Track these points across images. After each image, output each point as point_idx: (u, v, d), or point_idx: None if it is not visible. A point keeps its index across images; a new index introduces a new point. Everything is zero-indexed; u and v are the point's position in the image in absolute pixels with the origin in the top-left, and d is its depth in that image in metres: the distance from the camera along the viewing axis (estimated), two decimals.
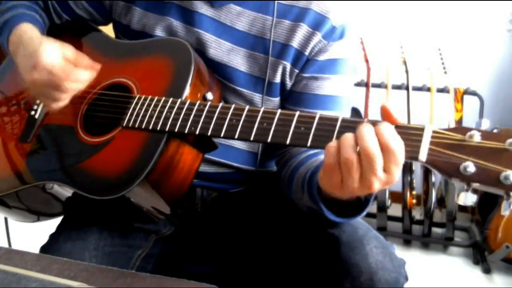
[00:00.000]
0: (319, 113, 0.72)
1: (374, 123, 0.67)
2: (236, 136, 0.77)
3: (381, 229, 2.35)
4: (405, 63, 2.41)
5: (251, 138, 0.76)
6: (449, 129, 0.64)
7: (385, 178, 0.64)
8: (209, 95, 0.90)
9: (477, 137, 0.62)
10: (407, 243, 2.44)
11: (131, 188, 0.81)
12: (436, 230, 2.45)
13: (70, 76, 0.89)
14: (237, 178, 1.04)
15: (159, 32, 0.99)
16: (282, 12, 0.95)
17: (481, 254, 2.27)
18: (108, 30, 1.12)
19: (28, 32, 0.98)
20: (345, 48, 0.96)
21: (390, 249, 0.87)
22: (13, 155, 1.03)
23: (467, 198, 0.62)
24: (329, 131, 0.70)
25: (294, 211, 0.95)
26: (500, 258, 2.13)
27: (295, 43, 0.94)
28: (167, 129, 0.83)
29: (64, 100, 0.92)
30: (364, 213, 0.79)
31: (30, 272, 0.65)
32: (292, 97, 0.98)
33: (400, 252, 0.89)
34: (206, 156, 0.93)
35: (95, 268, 0.71)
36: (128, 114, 0.88)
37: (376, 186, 0.65)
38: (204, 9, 0.97)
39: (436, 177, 2.36)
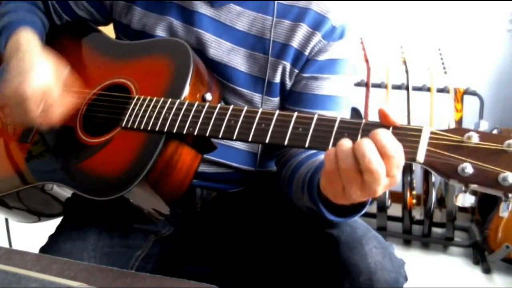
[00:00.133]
0: (317, 113, 0.72)
1: (371, 124, 0.67)
2: (234, 137, 0.77)
3: (381, 229, 2.35)
4: (405, 63, 2.41)
5: (249, 139, 0.76)
6: (447, 130, 0.64)
7: (388, 183, 0.64)
8: (208, 96, 0.90)
9: (475, 139, 0.62)
10: (407, 243, 2.44)
11: (130, 189, 0.82)
12: (436, 230, 2.45)
13: (41, 113, 0.89)
14: (236, 178, 1.04)
15: (159, 32, 1.00)
16: (282, 12, 0.95)
17: (481, 254, 2.27)
18: (109, 30, 1.12)
19: (27, 40, 0.97)
20: (345, 48, 0.96)
21: (389, 249, 0.87)
22: (12, 156, 1.03)
23: (465, 200, 0.62)
24: (327, 132, 0.70)
25: (294, 211, 0.95)
26: (500, 258, 2.13)
27: (295, 43, 0.94)
28: (165, 129, 0.83)
29: (30, 123, 0.93)
30: (363, 212, 0.79)
31: (30, 272, 0.65)
32: (291, 97, 0.98)
33: (400, 252, 0.89)
34: (206, 156, 0.93)
35: (95, 268, 0.71)
36: (127, 115, 0.88)
37: (381, 191, 0.64)
38: (204, 9, 0.97)
39: (436, 177, 2.36)
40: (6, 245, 1.51)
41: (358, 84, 2.45)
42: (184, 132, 0.81)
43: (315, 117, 0.72)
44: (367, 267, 0.82)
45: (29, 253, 0.73)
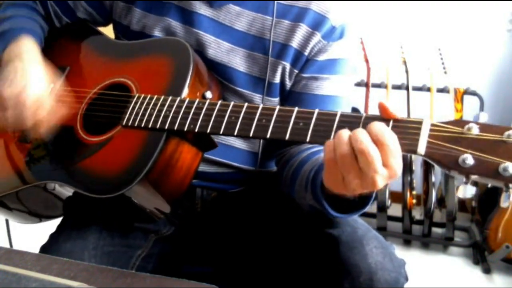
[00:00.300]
0: (317, 109, 0.73)
1: (371, 118, 0.68)
2: (235, 133, 0.77)
3: (381, 229, 2.35)
4: (405, 63, 2.41)
5: (250, 135, 0.76)
6: (447, 122, 0.64)
7: (387, 173, 0.64)
8: (208, 94, 0.90)
9: (475, 130, 0.62)
10: (407, 243, 2.44)
11: (131, 187, 0.82)
12: (436, 230, 2.45)
13: (36, 120, 0.90)
14: (237, 178, 1.04)
15: (158, 33, 1.00)
16: (281, 12, 0.95)
17: (481, 254, 2.27)
18: (108, 31, 1.12)
19: (27, 49, 0.97)
20: (345, 48, 0.96)
21: (389, 249, 0.87)
22: (13, 156, 1.03)
23: (467, 191, 0.63)
24: (328, 126, 0.70)
25: (294, 211, 0.96)
26: (500, 258, 2.13)
27: (295, 43, 0.94)
28: (166, 127, 0.83)
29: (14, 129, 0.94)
30: (366, 208, 0.79)
31: (30, 272, 0.65)
32: (291, 97, 0.98)
33: (400, 252, 0.89)
34: (206, 156, 0.93)
35: (95, 268, 0.71)
36: (128, 113, 0.88)
37: (380, 182, 0.65)
38: (203, 10, 0.97)
39: (436, 177, 2.36)
40: (7, 245, 1.51)
41: (358, 84, 2.45)
42: (185, 129, 0.81)
43: (316, 111, 0.72)
44: (368, 267, 0.82)
45: (29, 253, 0.73)
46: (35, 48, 0.99)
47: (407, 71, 2.39)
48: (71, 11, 1.10)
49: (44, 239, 0.97)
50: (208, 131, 0.80)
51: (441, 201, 2.43)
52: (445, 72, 2.35)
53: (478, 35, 2.52)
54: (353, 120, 0.69)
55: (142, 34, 1.01)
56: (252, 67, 0.97)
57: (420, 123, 0.65)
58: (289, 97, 0.98)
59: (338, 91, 0.97)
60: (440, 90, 2.39)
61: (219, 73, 0.97)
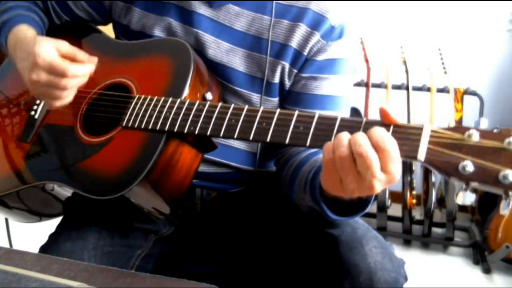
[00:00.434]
0: (318, 112, 0.73)
1: (372, 123, 0.68)
2: (235, 136, 0.77)
3: (381, 229, 2.35)
4: (405, 63, 2.41)
5: (250, 138, 0.76)
6: (447, 129, 0.64)
7: (385, 178, 0.64)
8: (209, 95, 0.90)
9: (475, 137, 0.62)
10: (407, 243, 2.44)
11: (130, 188, 0.82)
12: (436, 230, 2.45)
13: (68, 72, 0.89)
14: (236, 178, 1.04)
15: (158, 32, 1.00)
16: (280, 12, 0.95)
17: (481, 254, 2.27)
18: (108, 30, 1.12)
19: (24, 33, 0.98)
20: (344, 48, 0.96)
21: (389, 249, 0.87)
22: (12, 155, 1.03)
23: (466, 198, 0.63)
24: (328, 131, 0.70)
25: (294, 211, 0.95)
26: (500, 258, 2.13)
27: (294, 43, 0.94)
28: (166, 128, 0.83)
29: (66, 97, 0.92)
30: (365, 211, 0.79)
31: (30, 272, 0.65)
32: (291, 97, 0.98)
33: (400, 252, 0.89)
34: (206, 156, 0.93)
35: (95, 268, 0.71)
36: (128, 114, 0.88)
37: (378, 187, 0.65)
38: (202, 9, 0.97)
39: (436, 177, 2.36)
40: (6, 245, 1.51)
41: (358, 84, 2.45)
42: (185, 131, 0.81)
43: (316, 115, 0.72)
44: (367, 267, 0.82)
45: (29, 253, 0.73)
46: (32, 30, 1.00)
47: (407, 71, 2.39)
48: (70, 11, 1.10)
49: (44, 239, 0.97)
50: (208, 133, 0.80)
51: (441, 201, 2.43)
52: (445, 72, 2.35)
53: (478, 35, 2.52)
54: (353, 125, 0.69)
55: (142, 34, 1.02)
56: (251, 67, 0.97)
57: (420, 129, 0.65)
58: (288, 97, 0.98)
59: (337, 91, 0.97)
60: (440, 90, 2.39)
61: (218, 73, 0.97)
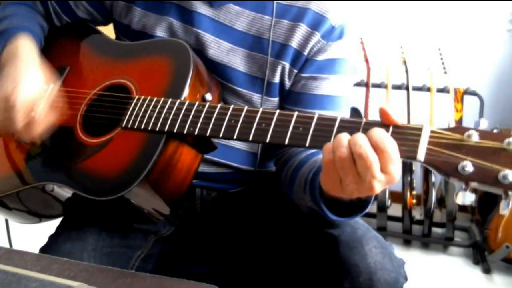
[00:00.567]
0: (317, 113, 0.73)
1: (371, 123, 0.68)
2: (234, 137, 0.77)
3: (381, 229, 2.35)
4: (405, 63, 2.41)
5: (250, 139, 0.76)
6: (447, 129, 0.64)
7: (385, 179, 0.65)
8: (208, 96, 0.90)
9: (475, 137, 0.62)
10: (407, 243, 2.44)
11: (130, 189, 0.82)
12: (436, 230, 2.45)
13: (27, 122, 0.89)
14: (236, 178, 1.04)
15: (159, 32, 1.00)
16: (281, 12, 0.95)
17: (481, 254, 2.27)
18: (109, 30, 1.12)
19: (24, 48, 0.96)
20: (344, 48, 0.96)
21: (389, 249, 0.87)
22: (12, 156, 1.03)
23: (466, 198, 0.63)
24: (328, 132, 0.70)
25: (294, 211, 0.95)
26: (500, 258, 2.13)
27: (294, 43, 0.94)
28: (166, 129, 0.83)
29: (5, 131, 0.92)
30: (365, 212, 0.79)
31: (30, 272, 0.65)
32: (291, 97, 0.98)
33: (400, 252, 0.89)
34: (206, 156, 0.93)
35: (95, 268, 0.71)
36: (127, 115, 0.88)
37: (377, 187, 0.65)
38: (203, 9, 0.97)
39: (436, 177, 2.36)
40: (6, 245, 1.51)
41: (358, 84, 2.45)
42: (185, 132, 0.81)
43: (316, 116, 0.72)
44: (367, 267, 0.82)
45: (29, 253, 0.73)
46: (32, 47, 0.98)
47: (407, 71, 2.39)
48: (71, 11, 1.10)
49: (44, 239, 0.97)
50: (208, 134, 0.80)
51: (441, 201, 2.43)
52: (445, 72, 2.35)
53: (478, 35, 2.52)
54: (353, 126, 0.69)
55: (143, 34, 1.02)
56: (251, 67, 0.97)
57: (420, 129, 0.65)
58: (288, 97, 0.98)
59: (337, 91, 0.97)
60: (440, 90, 2.39)
61: (218, 73, 0.97)
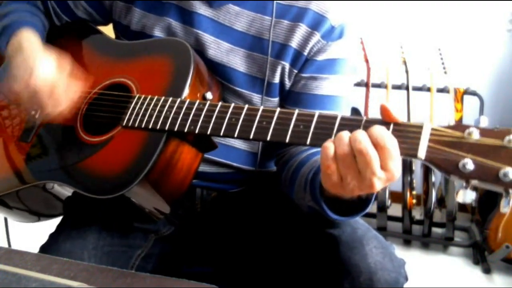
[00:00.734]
0: (318, 111, 0.73)
1: (372, 121, 0.68)
2: (235, 135, 0.77)
3: (381, 229, 2.35)
4: (405, 63, 2.41)
5: (251, 137, 0.76)
6: (448, 127, 0.64)
7: (385, 176, 0.65)
8: (209, 95, 0.90)
9: (475, 135, 0.62)
10: (407, 243, 2.44)
11: (131, 187, 0.82)
12: (436, 230, 2.45)
13: (52, 99, 0.90)
14: (237, 178, 1.04)
15: (158, 33, 1.00)
16: (280, 12, 0.95)
17: (481, 254, 2.27)
18: (108, 30, 1.12)
19: (28, 40, 0.97)
20: (344, 48, 0.96)
21: (389, 249, 0.87)
22: (13, 155, 1.03)
23: (466, 195, 0.63)
24: (329, 129, 0.70)
25: (294, 211, 0.95)
26: (500, 258, 2.13)
27: (294, 43, 0.94)
28: (166, 128, 0.83)
29: (46, 116, 0.93)
30: (365, 211, 0.79)
31: (30, 272, 0.65)
32: (291, 97, 0.98)
33: (400, 252, 0.89)
34: (206, 156, 0.93)
35: (95, 268, 0.71)
36: (128, 114, 0.88)
37: (377, 184, 0.65)
38: (202, 10, 0.97)
39: (436, 177, 2.36)
40: (5, 245, 1.51)
41: (358, 84, 2.45)
42: (185, 130, 0.81)
43: (316, 114, 0.72)
44: (368, 267, 0.82)
45: (29, 253, 0.73)
46: (36, 38, 0.99)
47: (407, 71, 2.39)
48: (70, 11, 1.10)
49: (43, 239, 0.97)
50: (209, 132, 0.80)
51: (441, 201, 2.43)
52: (445, 72, 2.35)
53: (478, 35, 2.52)
54: (354, 123, 0.69)
55: (142, 34, 1.02)
56: (251, 67, 0.97)
57: (420, 127, 0.65)
58: (288, 97, 0.98)
59: (337, 91, 0.97)
60: (440, 90, 2.39)
61: (218, 73, 0.97)
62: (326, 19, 0.93)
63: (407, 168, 2.33)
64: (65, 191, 1.00)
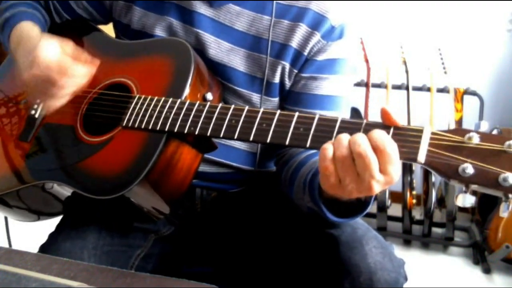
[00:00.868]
0: (318, 113, 0.73)
1: (372, 125, 0.68)
2: (235, 137, 0.77)
3: (381, 229, 2.35)
4: (405, 63, 2.41)
5: (250, 139, 0.76)
6: (448, 131, 0.64)
7: (383, 179, 0.65)
8: (209, 95, 0.90)
9: (475, 139, 0.62)
10: (407, 243, 2.44)
11: (130, 188, 0.82)
12: (436, 230, 2.45)
13: (68, 71, 0.89)
14: (236, 178, 1.04)
15: (158, 32, 1.00)
16: (281, 12, 0.95)
17: (481, 254, 2.27)
18: (108, 29, 1.12)
19: (28, 29, 0.98)
20: (344, 48, 0.96)
21: (389, 249, 0.87)
22: (12, 155, 1.03)
23: (466, 200, 0.63)
24: (328, 132, 0.70)
25: (294, 211, 0.95)
26: (500, 258, 2.13)
27: (294, 43, 0.94)
28: (166, 129, 0.83)
29: (62, 97, 0.91)
30: (364, 213, 0.79)
31: (30, 272, 0.65)
32: (291, 97, 0.98)
33: (400, 252, 0.89)
34: (206, 156, 0.93)
35: (95, 268, 0.71)
36: (128, 114, 0.88)
37: (376, 188, 0.65)
38: (203, 9, 0.97)
39: (436, 177, 2.36)
40: (6, 245, 1.51)
41: (358, 84, 2.45)
42: (185, 131, 0.81)
43: (316, 117, 0.72)
44: (367, 267, 0.82)
45: (29, 253, 0.73)
46: (36, 28, 0.99)
47: (407, 71, 2.39)
48: (71, 10, 1.10)
49: (43, 238, 0.97)
50: (208, 134, 0.80)
51: (441, 201, 2.43)
52: (445, 72, 2.35)
53: (478, 35, 2.52)
54: (354, 127, 0.69)
55: (142, 33, 1.02)
56: (251, 67, 0.97)
57: (420, 131, 0.65)
58: (288, 97, 0.98)
59: (337, 91, 0.97)
60: (440, 90, 2.39)
61: (218, 73, 0.97)
62: (326, 19, 0.93)
63: (407, 168, 2.33)
64: (65, 191, 0.99)
